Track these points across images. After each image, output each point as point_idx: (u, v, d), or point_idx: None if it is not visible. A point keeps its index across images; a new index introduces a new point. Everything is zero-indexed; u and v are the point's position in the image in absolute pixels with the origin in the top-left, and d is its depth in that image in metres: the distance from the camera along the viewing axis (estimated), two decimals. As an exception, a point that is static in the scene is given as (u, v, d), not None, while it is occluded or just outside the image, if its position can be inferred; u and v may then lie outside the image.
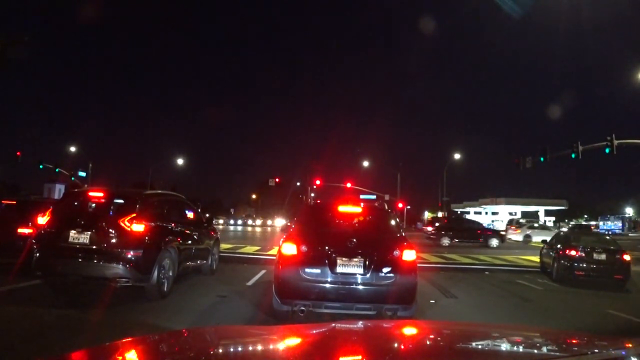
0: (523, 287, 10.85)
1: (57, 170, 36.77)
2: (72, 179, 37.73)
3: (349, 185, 40.19)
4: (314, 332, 2.24)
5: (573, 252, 11.62)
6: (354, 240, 5.90)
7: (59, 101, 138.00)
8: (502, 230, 32.30)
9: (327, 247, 5.76)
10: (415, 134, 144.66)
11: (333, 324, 2.30)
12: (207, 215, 11.31)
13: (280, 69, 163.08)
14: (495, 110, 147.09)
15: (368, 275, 5.64)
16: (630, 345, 1.93)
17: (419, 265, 6.51)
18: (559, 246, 12.41)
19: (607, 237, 14.62)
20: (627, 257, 11.47)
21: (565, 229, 30.23)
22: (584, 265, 11.50)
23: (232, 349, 1.93)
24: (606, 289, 10.90)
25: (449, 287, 9.86)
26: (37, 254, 6.74)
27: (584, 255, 11.53)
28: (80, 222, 6.74)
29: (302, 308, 5.60)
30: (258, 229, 51.96)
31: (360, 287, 5.67)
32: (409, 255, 5.81)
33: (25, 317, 5.84)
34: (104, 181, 35.30)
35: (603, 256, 11.46)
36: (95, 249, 6.56)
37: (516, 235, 33.19)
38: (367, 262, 5.65)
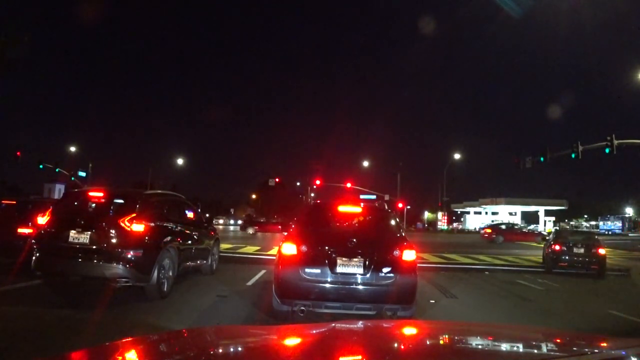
0: (523, 287, 10.85)
1: (57, 170, 36.78)
2: (72, 179, 37.73)
3: (349, 185, 40.17)
4: (314, 332, 2.23)
5: (557, 247, 13.80)
6: (354, 240, 5.89)
7: (59, 101, 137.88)
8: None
9: (327, 247, 5.75)
10: (415, 134, 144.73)
11: (333, 324, 2.30)
12: (207, 215, 11.35)
13: (281, 68, 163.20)
14: (496, 110, 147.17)
15: (368, 275, 5.63)
16: (630, 346, 1.93)
17: (419, 265, 6.51)
18: (551, 242, 14.45)
19: (595, 236, 16.14)
20: (602, 251, 13.55)
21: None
22: (566, 257, 13.67)
23: (232, 349, 1.93)
24: (606, 289, 11.10)
25: (449, 287, 9.86)
26: (37, 254, 6.74)
27: (565, 249, 13.73)
28: (80, 222, 6.74)
29: (302, 308, 5.60)
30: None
31: (360, 287, 5.66)
32: (409, 255, 5.80)
33: (25, 317, 5.84)
34: (104, 181, 35.28)
35: (582, 250, 13.63)
36: (95, 249, 6.56)
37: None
38: (367, 262, 5.64)
